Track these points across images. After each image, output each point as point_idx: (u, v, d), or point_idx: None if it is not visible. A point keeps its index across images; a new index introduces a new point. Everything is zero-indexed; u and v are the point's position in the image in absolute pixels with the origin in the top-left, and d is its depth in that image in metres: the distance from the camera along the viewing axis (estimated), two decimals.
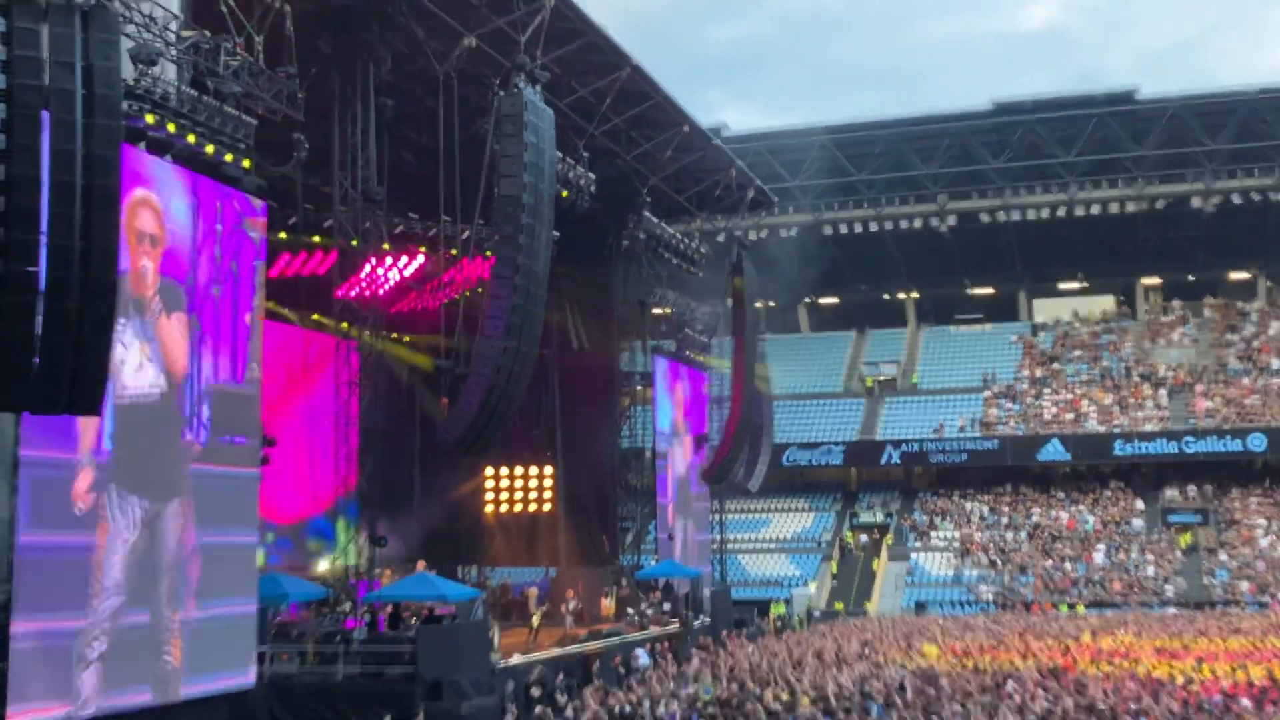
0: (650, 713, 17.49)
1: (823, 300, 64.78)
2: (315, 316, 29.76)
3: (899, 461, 53.53)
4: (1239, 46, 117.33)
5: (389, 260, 28.09)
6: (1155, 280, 60.87)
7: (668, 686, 20.46)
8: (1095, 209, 54.30)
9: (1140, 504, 50.50)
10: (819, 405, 57.10)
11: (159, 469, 17.65)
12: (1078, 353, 57.46)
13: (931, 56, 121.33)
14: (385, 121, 24.31)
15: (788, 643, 30.21)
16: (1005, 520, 51.00)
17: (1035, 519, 50.68)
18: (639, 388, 37.70)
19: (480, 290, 26.34)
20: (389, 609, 23.50)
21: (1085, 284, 61.81)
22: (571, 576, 35.28)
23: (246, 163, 19.22)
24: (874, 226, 56.48)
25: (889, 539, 51.23)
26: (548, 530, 36.72)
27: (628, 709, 17.75)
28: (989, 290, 63.17)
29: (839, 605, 46.38)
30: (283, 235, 27.69)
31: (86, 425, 15.90)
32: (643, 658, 27.03)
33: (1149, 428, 50.89)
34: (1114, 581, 45.58)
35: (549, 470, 36.84)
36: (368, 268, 24.70)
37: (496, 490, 37.33)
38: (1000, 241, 58.15)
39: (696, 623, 33.74)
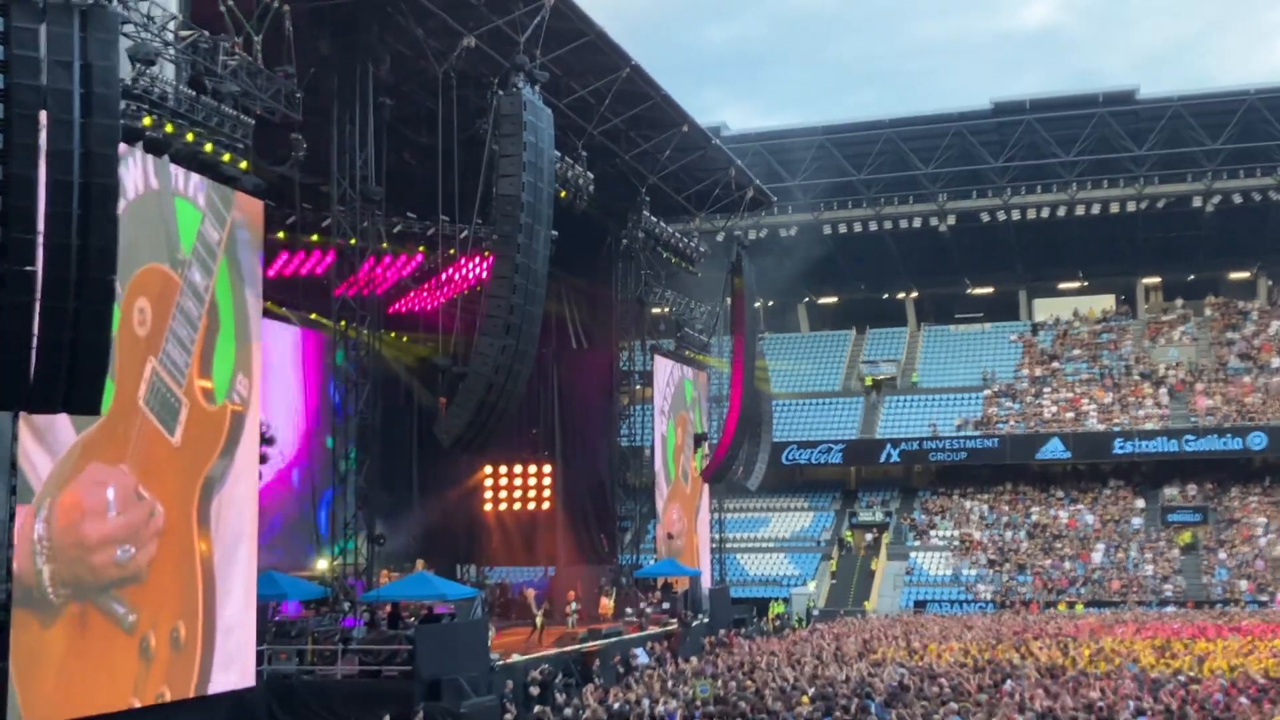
0: (649, 711, 17.49)
1: (822, 299, 64.80)
2: (314, 316, 29.80)
3: (898, 460, 53.54)
4: (1236, 47, 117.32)
5: (387, 260, 28.12)
6: (1155, 280, 60.90)
7: (666, 685, 20.47)
8: (1095, 208, 54.32)
9: (1140, 503, 50.51)
10: (818, 404, 57.12)
11: None
12: (1077, 351, 57.47)
13: (929, 56, 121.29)
14: (384, 121, 24.31)
15: (787, 642, 30.23)
16: (1004, 519, 51.01)
17: (1034, 518, 50.69)
18: (638, 386, 37.69)
19: (479, 289, 26.35)
20: (387, 608, 23.50)
21: (1085, 283, 61.85)
22: (570, 575, 35.30)
23: (244, 163, 19.23)
24: (873, 226, 56.50)
25: (888, 538, 51.24)
26: (546, 529, 36.72)
27: (626, 708, 17.76)
28: (989, 289, 63.20)
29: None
30: (281, 235, 27.69)
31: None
32: (641, 656, 27.05)
33: (1149, 426, 50.90)
34: (1113, 580, 45.61)
35: (547, 469, 36.85)
36: (366, 267, 24.71)
37: (495, 489, 37.34)
38: (1000, 241, 58.16)
39: (695, 622, 33.76)
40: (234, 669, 18.92)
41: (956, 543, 49.68)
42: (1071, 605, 43.81)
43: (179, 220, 18.15)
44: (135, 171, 17.06)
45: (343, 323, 24.38)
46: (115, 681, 16.53)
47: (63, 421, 15.59)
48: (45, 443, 15.56)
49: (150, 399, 17.28)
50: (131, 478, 16.90)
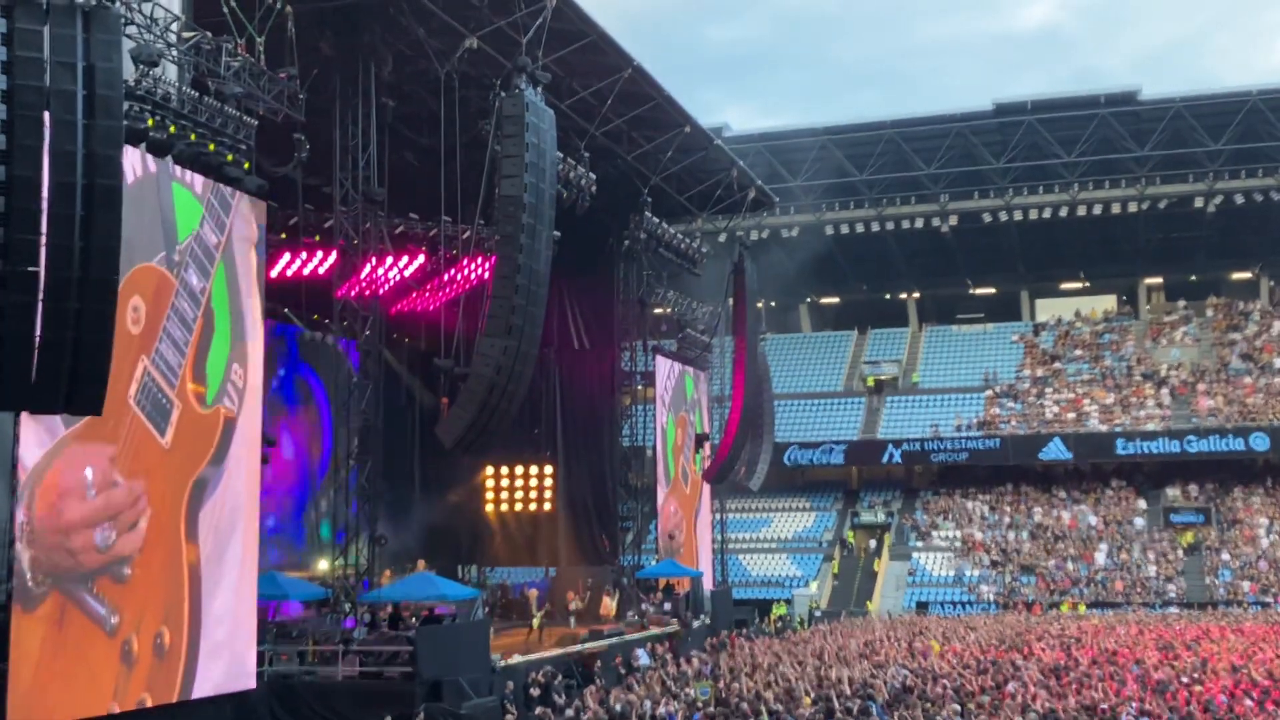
0: (650, 713, 17.48)
1: (824, 300, 64.80)
2: (316, 317, 29.80)
3: (900, 461, 53.49)
4: (1235, 47, 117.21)
5: (389, 260, 28.12)
6: (1157, 280, 60.86)
7: (667, 686, 20.47)
8: (1097, 209, 54.27)
9: (1142, 503, 50.47)
10: (820, 404, 57.11)
11: None
12: (1079, 352, 57.44)
13: (929, 57, 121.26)
14: (386, 122, 24.30)
15: (789, 643, 30.21)
16: (1007, 520, 50.97)
17: (1037, 518, 50.66)
18: (639, 387, 37.69)
19: (481, 290, 26.33)
20: (388, 609, 23.50)
21: (1087, 283, 61.82)
22: (571, 576, 35.30)
23: (247, 164, 19.25)
24: (875, 226, 56.47)
25: (890, 538, 51.21)
26: (548, 530, 36.72)
27: (627, 709, 17.75)
28: (991, 290, 63.18)
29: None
30: (283, 236, 27.68)
31: None
32: (643, 657, 27.03)
33: (1151, 427, 50.86)
34: (1116, 581, 45.57)
35: (549, 470, 36.84)
36: (368, 268, 24.71)
37: (496, 489, 37.33)
38: (1002, 241, 58.13)
39: (696, 623, 33.74)
40: (219, 678, 18.67)
41: (959, 543, 49.66)
42: (1075, 606, 43.76)
43: (177, 207, 18.04)
44: (133, 156, 16.96)
45: (345, 323, 24.39)
46: (95, 685, 16.25)
47: (54, 418, 15.54)
48: (34, 438, 15.51)
49: (141, 398, 17.21)
50: (111, 459, 16.71)
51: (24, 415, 15.15)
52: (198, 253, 18.52)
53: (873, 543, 51.52)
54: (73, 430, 15.94)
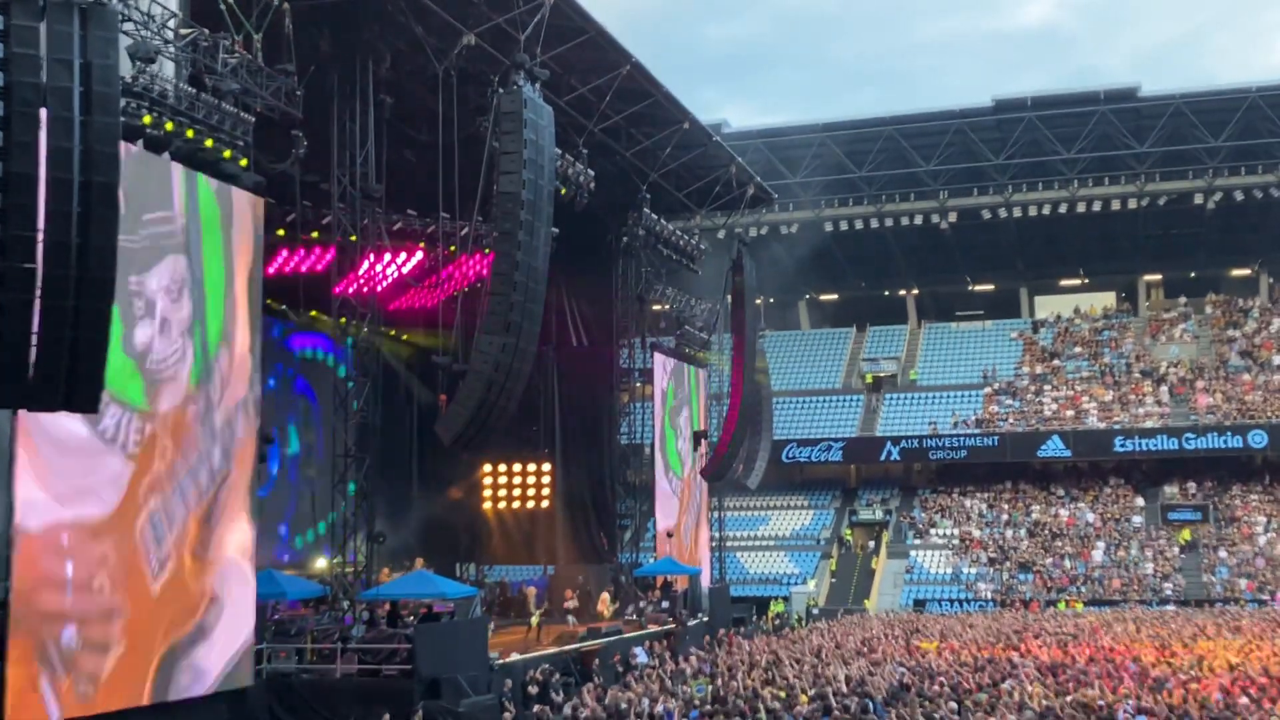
0: (648, 710, 17.47)
1: (823, 297, 64.78)
2: (314, 314, 29.78)
3: (899, 458, 53.53)
4: (1235, 46, 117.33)
5: (387, 257, 28.10)
6: (1156, 277, 60.86)
7: (665, 684, 20.46)
8: (1096, 206, 54.27)
9: (1140, 501, 50.49)
10: (819, 402, 57.11)
11: None
12: (1078, 349, 57.45)
13: (928, 55, 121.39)
14: (384, 118, 24.29)
15: (786, 640, 30.21)
16: (1005, 517, 50.99)
17: (1035, 516, 50.67)
18: (638, 384, 37.65)
19: (479, 286, 26.32)
20: (386, 606, 23.48)
21: (1086, 280, 61.83)
22: (570, 574, 35.29)
23: (245, 160, 19.23)
24: (874, 223, 56.43)
25: (888, 536, 51.22)
26: (546, 527, 36.68)
27: (625, 707, 17.73)
28: (990, 287, 63.18)
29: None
30: (281, 232, 27.66)
31: None
32: (641, 655, 27.02)
33: (1149, 424, 50.88)
34: (1113, 579, 45.60)
35: (547, 467, 36.80)
36: (366, 264, 24.68)
37: (495, 487, 37.29)
38: (1001, 238, 58.13)
39: (693, 621, 33.72)
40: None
41: (956, 541, 49.66)
42: (1072, 604, 43.75)
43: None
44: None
45: (343, 320, 24.36)
46: None
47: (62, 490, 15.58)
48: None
49: (144, 532, 17.13)
50: (100, 560, 16.39)
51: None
52: (226, 435, 18.77)
53: (871, 540, 51.54)
54: (71, 514, 15.89)
